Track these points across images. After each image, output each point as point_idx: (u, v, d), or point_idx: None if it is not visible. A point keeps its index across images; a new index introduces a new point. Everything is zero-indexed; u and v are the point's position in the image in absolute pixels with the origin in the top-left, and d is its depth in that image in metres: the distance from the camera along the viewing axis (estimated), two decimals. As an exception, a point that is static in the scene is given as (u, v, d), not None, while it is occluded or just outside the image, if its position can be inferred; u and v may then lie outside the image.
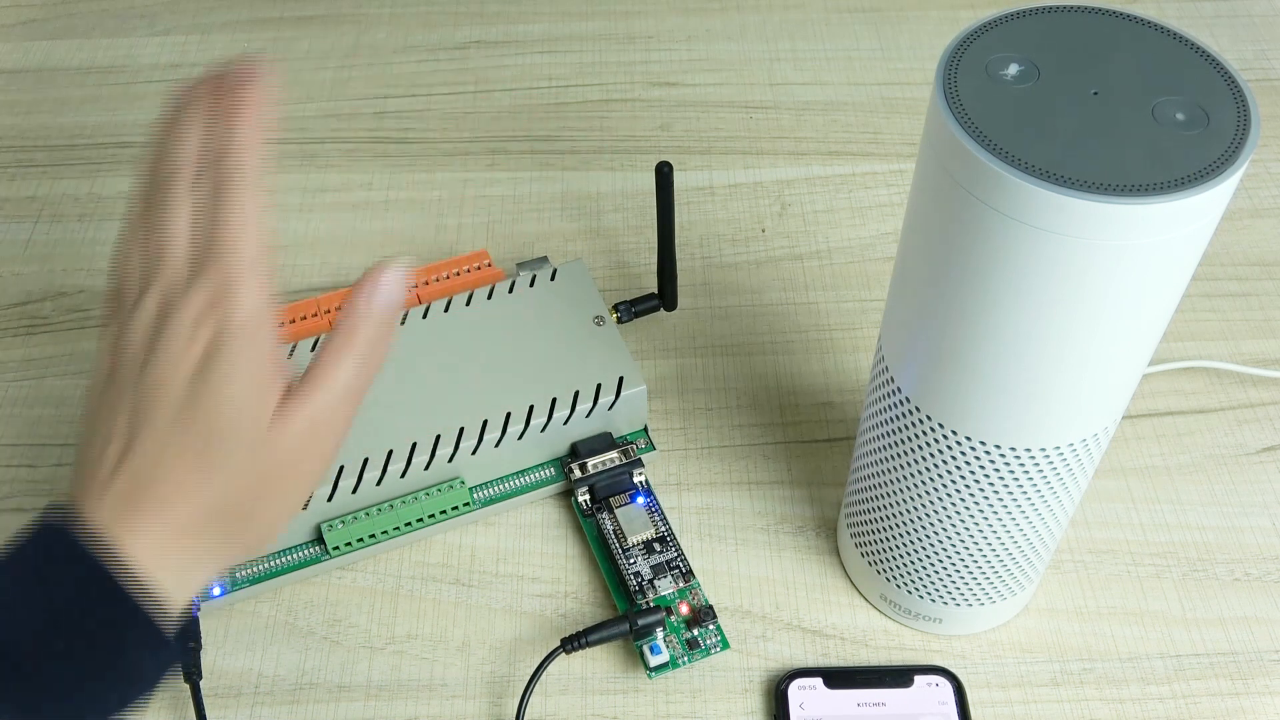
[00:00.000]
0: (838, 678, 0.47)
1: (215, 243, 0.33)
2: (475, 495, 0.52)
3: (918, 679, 0.47)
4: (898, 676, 0.47)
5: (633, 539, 0.50)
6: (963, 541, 0.43)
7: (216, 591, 0.49)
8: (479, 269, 0.59)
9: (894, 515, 0.44)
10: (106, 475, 0.32)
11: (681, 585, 0.49)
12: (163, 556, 0.32)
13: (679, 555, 0.50)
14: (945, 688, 0.46)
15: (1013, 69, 0.34)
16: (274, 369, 0.33)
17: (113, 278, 0.35)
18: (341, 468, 0.49)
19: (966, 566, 0.44)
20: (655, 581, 0.49)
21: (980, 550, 0.43)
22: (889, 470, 0.43)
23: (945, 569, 0.45)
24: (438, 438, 0.50)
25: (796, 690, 0.46)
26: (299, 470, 0.34)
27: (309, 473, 0.35)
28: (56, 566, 0.31)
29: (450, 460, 0.50)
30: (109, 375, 0.34)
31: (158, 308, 0.33)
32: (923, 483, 0.42)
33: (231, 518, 0.33)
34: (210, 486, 0.32)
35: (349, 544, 0.50)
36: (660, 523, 0.51)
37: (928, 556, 0.45)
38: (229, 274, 0.32)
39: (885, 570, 0.47)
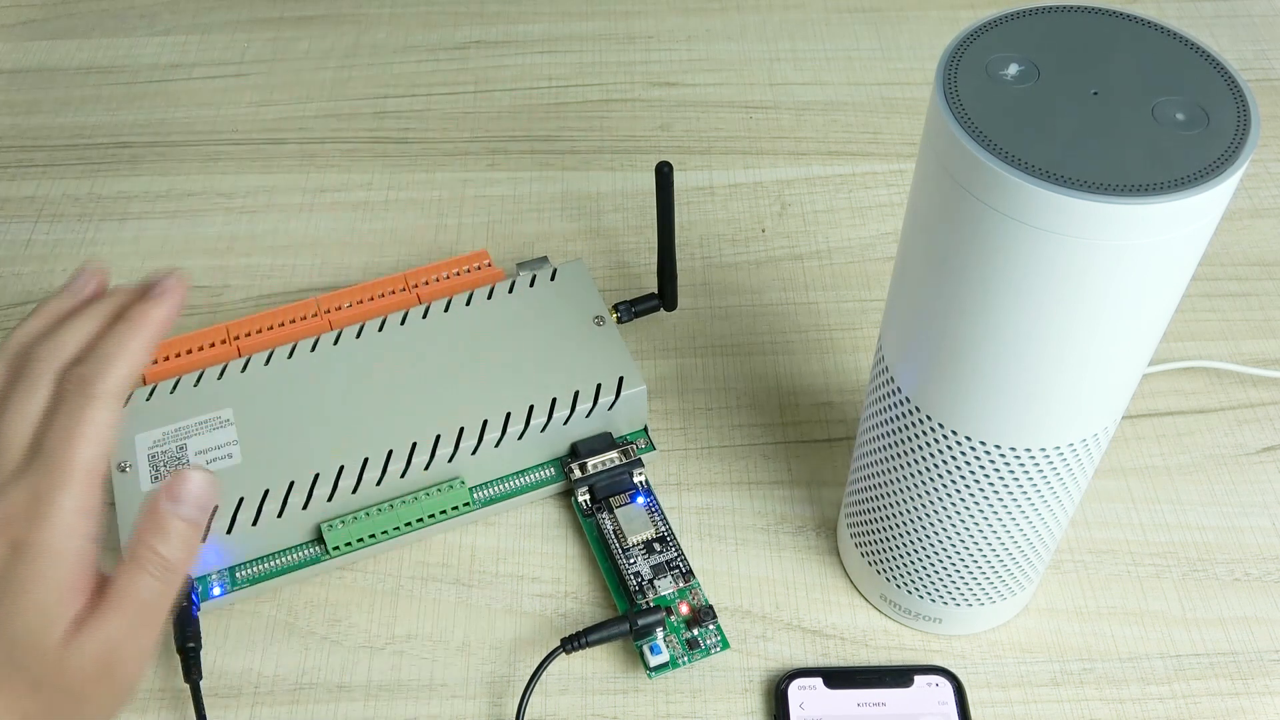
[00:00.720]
0: (838, 678, 0.47)
1: (45, 449, 0.32)
2: (475, 495, 0.52)
3: (918, 679, 0.47)
4: (898, 676, 0.47)
5: (633, 539, 0.50)
6: (963, 541, 0.43)
7: (217, 591, 0.49)
8: (479, 269, 0.59)
9: (894, 515, 0.44)
10: None
11: (681, 585, 0.49)
12: None
13: (679, 555, 0.50)
14: (945, 688, 0.46)
15: (1013, 69, 0.34)
16: (73, 589, 0.32)
17: None
18: (341, 467, 0.49)
19: (966, 566, 0.44)
20: (655, 581, 0.49)
21: (980, 550, 0.43)
22: (889, 470, 0.43)
23: (945, 569, 0.45)
24: (438, 438, 0.50)
25: (796, 690, 0.46)
26: (94, 694, 0.33)
27: (106, 697, 0.33)
28: None
29: (450, 460, 0.50)
30: None
31: None
32: (923, 483, 0.42)
33: None
34: (7, 701, 0.31)
35: (349, 544, 0.50)
36: (660, 523, 0.51)
37: (928, 556, 0.45)
38: (49, 483, 0.32)
39: (885, 570, 0.47)
